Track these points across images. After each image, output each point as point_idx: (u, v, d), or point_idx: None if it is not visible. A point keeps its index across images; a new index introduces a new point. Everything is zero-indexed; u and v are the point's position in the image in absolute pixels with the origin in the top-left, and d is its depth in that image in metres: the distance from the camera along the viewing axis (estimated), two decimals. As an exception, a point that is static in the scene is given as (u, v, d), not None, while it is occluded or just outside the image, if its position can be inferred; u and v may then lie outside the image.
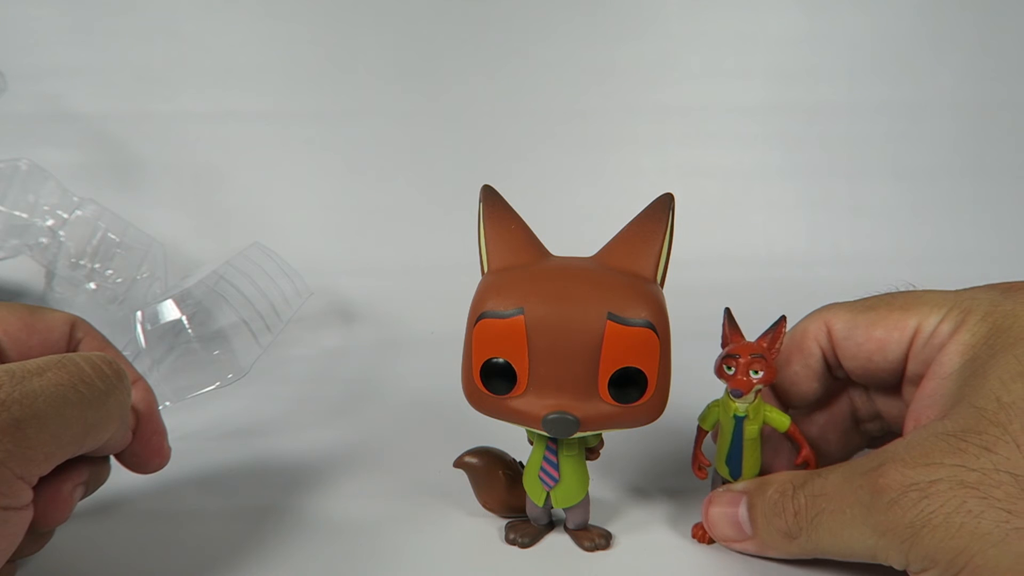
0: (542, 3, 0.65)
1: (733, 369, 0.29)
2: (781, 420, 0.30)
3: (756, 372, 0.28)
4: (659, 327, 0.26)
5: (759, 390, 0.29)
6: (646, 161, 0.67)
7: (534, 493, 0.30)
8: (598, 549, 0.30)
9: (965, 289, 0.29)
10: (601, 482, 0.31)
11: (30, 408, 0.22)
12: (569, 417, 0.26)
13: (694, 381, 0.34)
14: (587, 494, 0.30)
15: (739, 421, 0.29)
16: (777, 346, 0.29)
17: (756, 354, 0.29)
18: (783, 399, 0.32)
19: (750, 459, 0.30)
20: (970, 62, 0.68)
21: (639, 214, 0.28)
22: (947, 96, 0.68)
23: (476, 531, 0.31)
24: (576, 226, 0.47)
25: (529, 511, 0.31)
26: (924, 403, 0.27)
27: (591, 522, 0.31)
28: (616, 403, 0.26)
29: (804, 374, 0.31)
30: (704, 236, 0.61)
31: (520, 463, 0.31)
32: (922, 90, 0.68)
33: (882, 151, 0.68)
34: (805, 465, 0.30)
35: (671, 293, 0.28)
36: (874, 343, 0.29)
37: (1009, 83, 0.69)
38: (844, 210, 0.67)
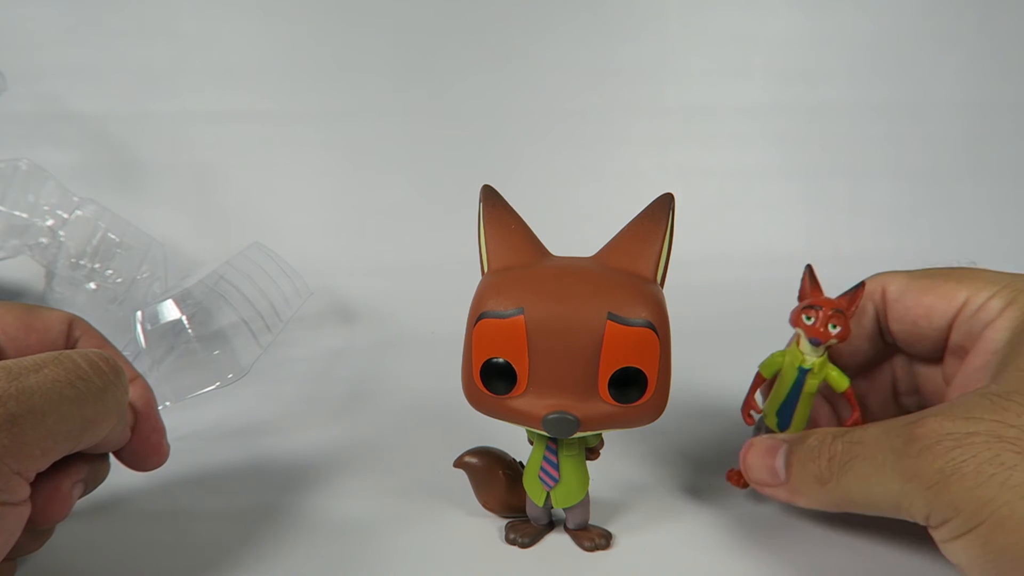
0: (542, 3, 0.65)
1: (813, 320, 0.29)
2: (841, 380, 0.30)
3: (834, 327, 0.29)
4: (659, 327, 0.26)
5: (829, 346, 0.30)
6: (646, 161, 0.67)
7: (534, 493, 0.30)
8: (598, 549, 0.30)
9: (1020, 273, 0.30)
10: (601, 482, 0.31)
11: (26, 404, 0.22)
12: (569, 417, 0.26)
13: (694, 381, 0.34)
14: (587, 494, 0.30)
15: (802, 374, 0.30)
16: (854, 308, 0.30)
17: (838, 309, 0.29)
18: (833, 357, 0.32)
19: (802, 413, 0.31)
20: (970, 62, 0.68)
21: (639, 214, 0.28)
22: (947, 96, 0.68)
23: (476, 531, 0.31)
24: (576, 226, 0.47)
25: (529, 511, 0.31)
26: (971, 376, 0.28)
27: (591, 522, 0.31)
28: (616, 403, 0.26)
29: (856, 332, 0.32)
30: (704, 236, 0.61)
31: (520, 463, 0.31)
32: (922, 90, 0.68)
33: (882, 151, 0.68)
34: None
35: (671, 293, 0.28)
36: (922, 308, 0.30)
37: (1009, 83, 0.69)
38: (844, 210, 0.67)
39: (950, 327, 0.30)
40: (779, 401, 0.31)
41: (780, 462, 0.29)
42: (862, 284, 0.30)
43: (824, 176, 0.68)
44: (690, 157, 0.67)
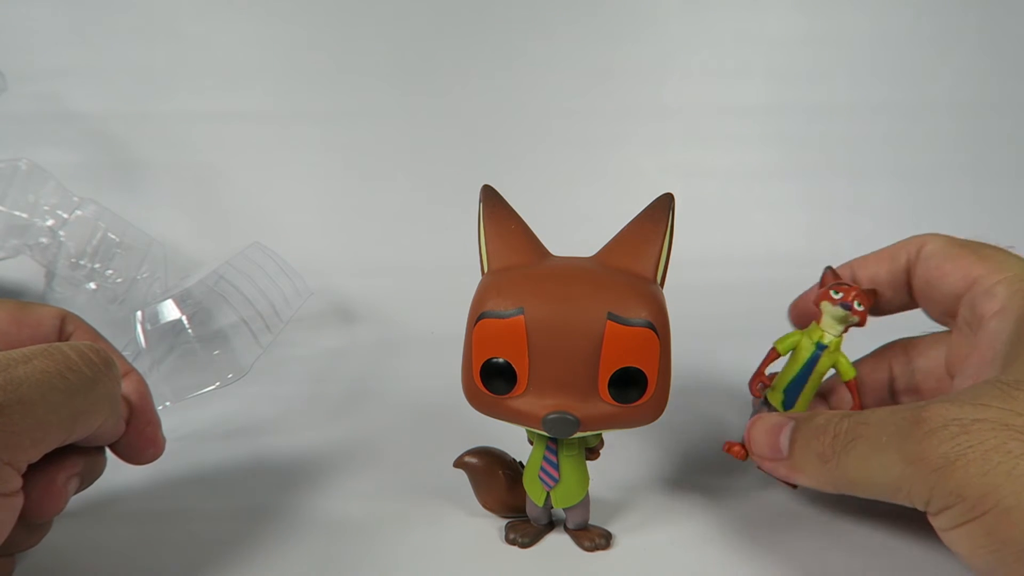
0: (542, 3, 0.65)
1: (841, 294, 0.31)
2: (849, 368, 0.32)
3: (859, 305, 0.31)
4: (659, 327, 0.26)
5: (847, 327, 0.31)
6: (646, 161, 0.67)
7: (534, 493, 0.30)
8: (598, 549, 0.30)
9: None
10: (601, 482, 0.31)
11: (14, 394, 0.22)
12: (569, 417, 0.26)
13: (694, 381, 0.34)
14: (587, 494, 0.30)
15: (820, 349, 0.31)
16: (870, 302, 0.31)
17: (868, 289, 0.32)
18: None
19: (808, 393, 0.32)
20: (970, 62, 0.68)
21: (639, 214, 0.28)
22: (947, 96, 0.68)
23: (476, 531, 0.31)
24: (576, 226, 0.46)
25: (529, 511, 0.31)
26: (980, 368, 0.28)
27: (591, 522, 0.31)
28: (616, 403, 0.26)
29: (886, 279, 0.33)
30: (704, 236, 0.61)
31: (520, 463, 0.31)
32: (922, 90, 0.68)
33: (882, 151, 0.68)
34: None
35: (671, 293, 0.28)
36: (940, 272, 0.31)
37: (1009, 83, 0.69)
38: (844, 210, 0.67)
39: (959, 299, 0.31)
40: (789, 378, 0.32)
41: (784, 439, 0.29)
42: (875, 290, 0.32)
43: (824, 176, 0.68)
44: (690, 157, 0.67)
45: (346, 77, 0.65)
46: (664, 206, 0.28)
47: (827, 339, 0.31)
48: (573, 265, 0.28)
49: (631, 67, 0.66)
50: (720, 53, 0.67)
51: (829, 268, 0.33)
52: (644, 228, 0.28)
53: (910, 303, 0.34)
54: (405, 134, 0.66)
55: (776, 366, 0.33)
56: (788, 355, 0.33)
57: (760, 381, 0.33)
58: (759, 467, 0.30)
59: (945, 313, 0.32)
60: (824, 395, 0.35)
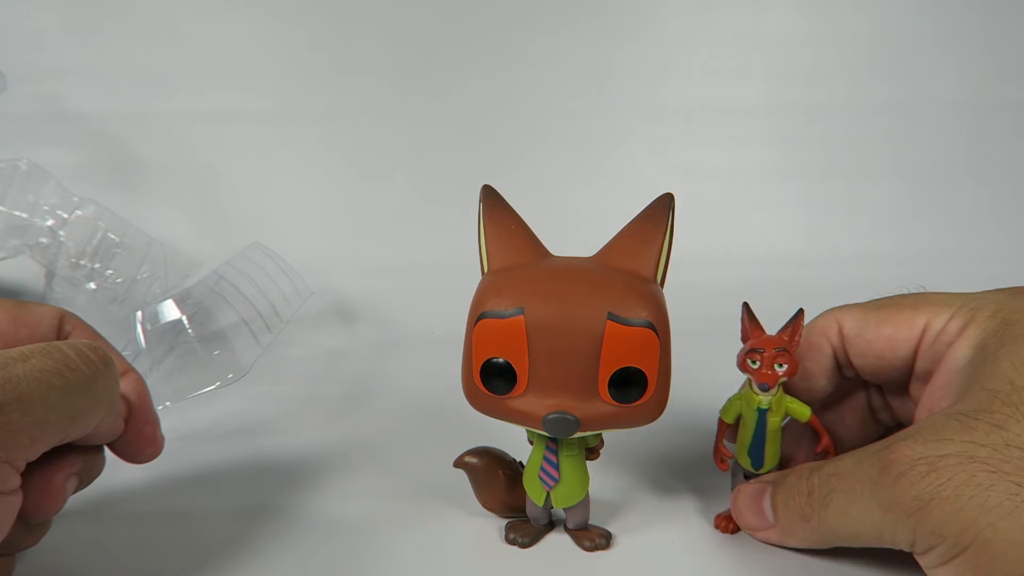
0: (542, 3, 0.65)
1: (758, 363, 0.29)
2: (802, 411, 0.30)
3: (780, 366, 0.29)
4: (659, 327, 0.26)
5: (783, 383, 0.30)
6: (646, 161, 0.67)
7: (534, 493, 0.30)
8: (598, 549, 0.30)
9: (973, 292, 0.29)
10: (601, 482, 0.31)
11: (12, 392, 0.22)
12: (569, 417, 0.26)
13: (694, 381, 0.34)
14: (587, 494, 0.30)
15: (762, 414, 0.30)
16: (797, 339, 0.30)
17: (780, 348, 0.29)
18: (794, 394, 0.32)
19: (772, 449, 0.31)
20: (970, 62, 0.68)
21: (639, 214, 0.28)
22: (947, 96, 0.68)
23: (476, 531, 0.31)
24: (576, 226, 0.46)
25: (529, 511, 0.31)
26: (936, 396, 0.27)
27: (591, 522, 0.31)
28: (616, 403, 0.26)
29: (815, 371, 0.31)
30: (704, 236, 0.61)
31: (520, 463, 0.31)
32: (922, 90, 0.68)
33: (882, 151, 0.68)
34: (825, 454, 0.31)
35: (671, 293, 0.28)
36: (884, 340, 0.30)
37: (1009, 83, 0.68)
38: (844, 210, 0.67)
39: (915, 355, 0.29)
40: (747, 443, 0.31)
41: (767, 505, 0.29)
42: (800, 312, 0.30)
43: (824, 176, 0.68)
44: (690, 157, 0.67)
45: (346, 77, 0.65)
46: (664, 206, 0.28)
47: (765, 403, 0.30)
48: (573, 265, 0.28)
49: (631, 67, 0.66)
50: (720, 53, 0.67)
51: (745, 308, 0.31)
52: (644, 228, 0.28)
53: (849, 384, 0.33)
54: (405, 134, 0.66)
55: None
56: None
57: (721, 455, 0.32)
58: (754, 538, 0.30)
59: (901, 377, 0.31)
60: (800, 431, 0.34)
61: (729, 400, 0.32)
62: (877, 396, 0.33)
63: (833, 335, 0.31)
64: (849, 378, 0.32)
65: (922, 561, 0.24)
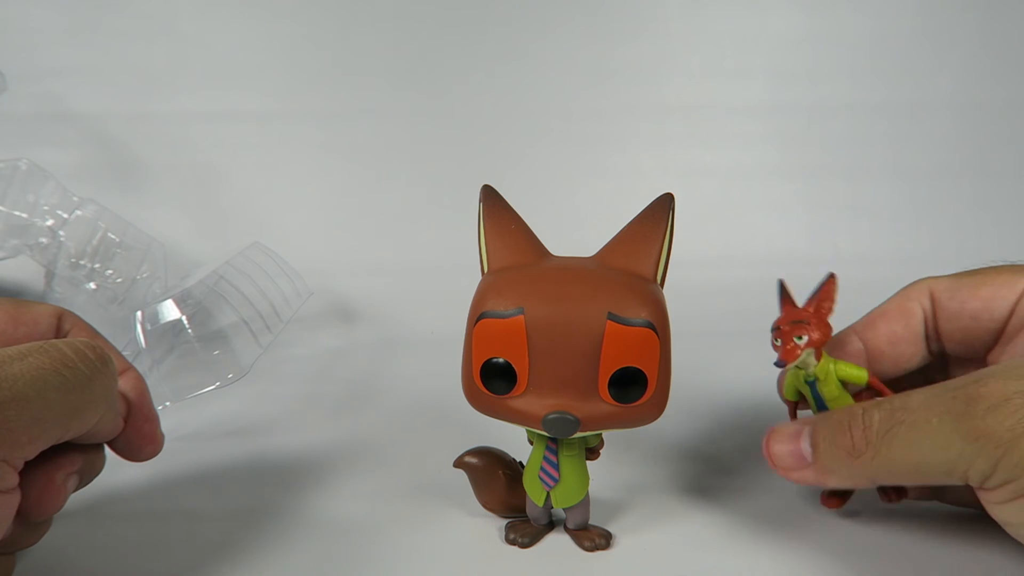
0: (542, 3, 0.65)
1: (779, 341, 0.29)
2: (859, 374, 0.30)
3: (800, 338, 0.29)
4: (659, 327, 0.26)
5: (812, 352, 0.29)
6: (646, 161, 0.67)
7: (534, 493, 0.30)
8: (598, 549, 0.30)
9: None
10: (601, 482, 0.31)
11: (10, 391, 0.22)
12: (569, 417, 0.26)
13: (695, 381, 0.34)
14: (587, 494, 0.30)
15: (812, 386, 0.30)
16: (828, 304, 0.29)
17: (797, 320, 0.29)
18: (879, 363, 0.32)
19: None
20: (970, 62, 0.68)
21: (639, 214, 0.28)
22: (947, 96, 0.68)
23: (476, 531, 0.31)
24: (576, 226, 0.47)
25: (529, 511, 0.31)
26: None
27: (591, 522, 0.31)
28: (616, 403, 0.26)
29: (905, 335, 0.31)
30: (704, 236, 0.61)
31: (520, 463, 0.31)
32: (922, 90, 0.68)
33: (882, 151, 0.68)
34: None
35: (671, 293, 0.28)
36: (980, 301, 0.30)
37: (1009, 83, 0.69)
38: (844, 210, 0.67)
39: (1009, 315, 0.30)
40: (816, 411, 0.31)
41: (805, 443, 0.28)
42: (830, 276, 0.30)
43: (824, 176, 0.68)
44: (690, 157, 0.67)
45: (346, 77, 0.65)
46: (664, 206, 0.28)
47: (811, 374, 0.30)
48: (573, 265, 0.28)
49: (631, 67, 0.66)
50: (720, 53, 0.67)
51: (780, 286, 0.30)
52: (644, 228, 0.28)
53: (926, 356, 0.32)
54: (405, 134, 0.66)
55: None
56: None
57: None
58: (787, 478, 0.29)
59: (989, 341, 0.30)
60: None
61: (786, 378, 0.31)
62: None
63: (924, 300, 0.31)
64: (933, 353, 0.32)
65: (990, 496, 0.25)
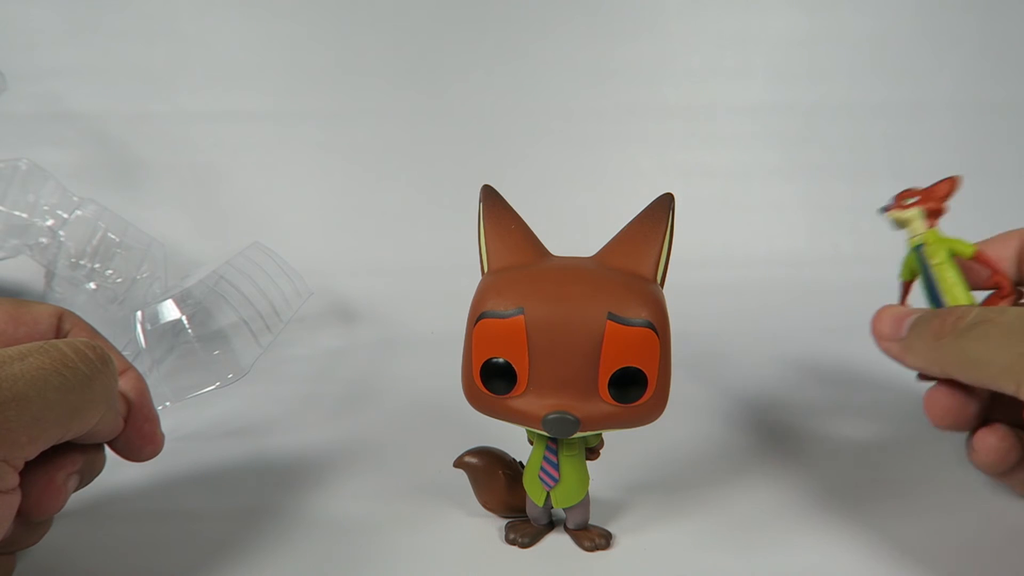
0: (542, 3, 0.65)
1: (892, 201, 0.32)
2: (965, 247, 0.31)
3: (907, 200, 0.31)
4: (659, 327, 0.26)
5: (924, 218, 0.31)
6: (646, 161, 0.67)
7: (534, 493, 0.30)
8: (598, 549, 0.30)
9: None
10: (601, 482, 0.31)
11: (10, 391, 0.22)
12: (569, 417, 0.26)
13: (695, 380, 0.34)
14: (587, 494, 0.30)
15: (919, 250, 0.31)
16: (945, 188, 0.32)
17: (906, 191, 0.32)
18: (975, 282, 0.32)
19: (948, 288, 0.31)
20: (970, 62, 0.68)
21: (639, 214, 0.28)
22: (947, 96, 0.68)
23: (476, 531, 0.31)
24: (576, 226, 0.47)
25: (529, 511, 0.31)
26: None
27: (591, 522, 0.31)
28: (616, 403, 0.26)
29: (1003, 255, 0.33)
30: (704, 236, 0.61)
31: (520, 463, 0.31)
32: (922, 90, 0.68)
33: (882, 151, 0.68)
34: (997, 289, 0.31)
35: (671, 293, 0.28)
36: None
37: (1009, 83, 0.69)
38: (844, 210, 0.67)
39: None
40: (925, 289, 0.32)
41: (907, 321, 0.30)
42: (953, 177, 0.32)
43: (824, 176, 0.68)
44: (690, 157, 0.67)
45: (346, 77, 0.65)
46: (664, 206, 0.28)
47: (918, 239, 0.31)
48: (573, 265, 0.28)
49: (631, 67, 0.66)
50: (720, 53, 0.67)
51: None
52: (644, 228, 0.28)
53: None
54: (405, 134, 0.66)
55: None
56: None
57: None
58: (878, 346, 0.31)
59: None
60: None
61: (904, 258, 0.33)
62: None
63: (1020, 234, 0.33)
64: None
65: None
